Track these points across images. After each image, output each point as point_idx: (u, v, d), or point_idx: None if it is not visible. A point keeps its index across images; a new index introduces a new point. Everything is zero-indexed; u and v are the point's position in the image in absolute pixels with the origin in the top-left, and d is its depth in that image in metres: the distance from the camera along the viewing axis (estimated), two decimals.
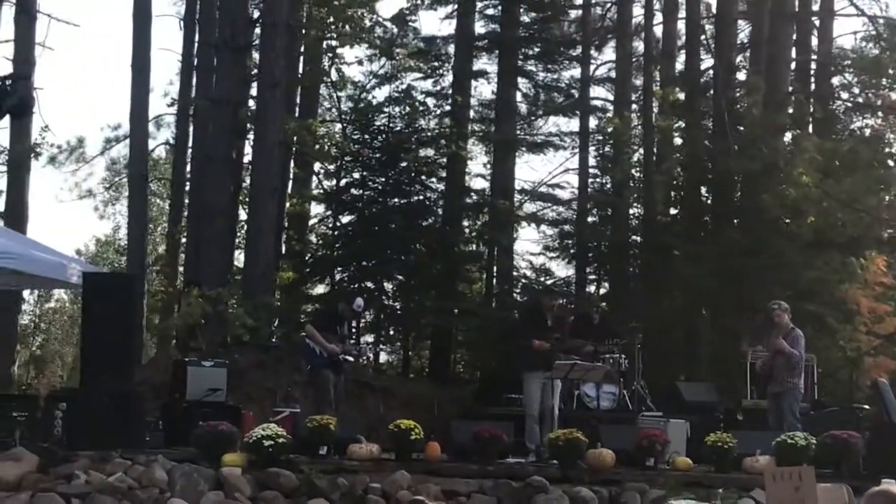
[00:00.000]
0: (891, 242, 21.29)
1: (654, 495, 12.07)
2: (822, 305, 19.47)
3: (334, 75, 26.54)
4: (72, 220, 63.29)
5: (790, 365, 14.34)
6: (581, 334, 16.46)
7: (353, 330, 15.49)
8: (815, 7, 24.77)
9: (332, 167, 25.36)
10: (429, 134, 23.98)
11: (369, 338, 22.46)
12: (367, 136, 23.69)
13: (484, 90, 26.75)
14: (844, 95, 25.65)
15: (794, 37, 23.74)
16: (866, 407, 15.85)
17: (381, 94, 25.56)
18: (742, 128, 21.56)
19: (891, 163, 22.60)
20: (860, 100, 25.41)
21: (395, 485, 11.88)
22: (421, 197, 23.37)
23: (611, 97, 27.67)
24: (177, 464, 11.69)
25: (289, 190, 25.56)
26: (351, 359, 14.88)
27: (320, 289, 24.68)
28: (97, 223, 59.23)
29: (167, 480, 11.48)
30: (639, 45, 27.43)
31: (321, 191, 26.37)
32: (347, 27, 24.36)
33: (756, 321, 18.32)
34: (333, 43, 25.49)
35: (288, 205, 25.23)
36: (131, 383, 13.34)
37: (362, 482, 11.93)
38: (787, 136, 22.19)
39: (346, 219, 24.18)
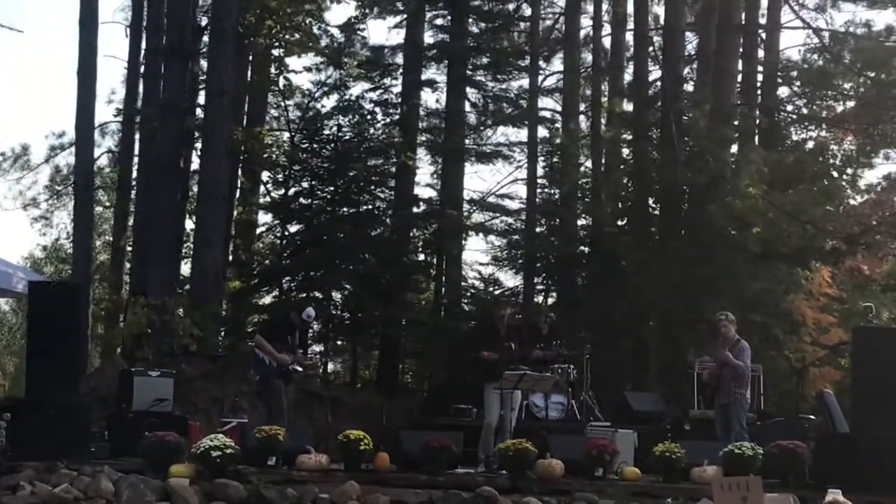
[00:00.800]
0: (835, 254, 21.50)
1: None
2: (768, 316, 19.63)
3: (282, 83, 26.43)
4: (17, 226, 62.66)
5: (736, 375, 14.46)
6: (529, 344, 16.49)
7: (304, 339, 15.35)
8: (762, 20, 24.97)
9: (280, 176, 25.26)
10: (377, 143, 23.92)
11: (317, 347, 22.35)
12: (315, 146, 23.64)
13: (432, 100, 26.80)
14: (790, 107, 25.90)
15: (741, 49, 23.93)
16: (812, 417, 16.00)
17: (329, 102, 25.55)
18: (689, 139, 21.68)
19: (834, 174, 22.87)
20: (805, 111, 25.68)
21: (344, 495, 11.80)
22: (370, 206, 23.34)
23: (559, 108, 27.78)
24: (123, 475, 11.56)
25: (236, 198, 25.41)
26: (301, 369, 14.77)
27: (268, 299, 24.57)
28: (42, 231, 58.61)
29: (113, 491, 11.35)
30: (587, 56, 27.56)
31: (269, 199, 26.25)
32: (296, 35, 24.32)
33: (703, 331, 18.44)
34: (281, 51, 25.42)
35: (235, 213, 25.09)
36: (77, 393, 13.23)
37: (311, 493, 11.85)
38: (734, 148, 22.35)
39: (294, 228, 24.10)
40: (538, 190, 26.07)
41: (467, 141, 26.25)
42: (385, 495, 11.87)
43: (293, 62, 27.11)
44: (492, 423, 14.16)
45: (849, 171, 23.15)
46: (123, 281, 26.31)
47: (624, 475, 13.21)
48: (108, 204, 32.96)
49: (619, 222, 23.52)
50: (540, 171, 26.16)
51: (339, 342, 23.80)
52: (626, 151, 24.07)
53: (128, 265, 25.90)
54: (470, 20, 25.48)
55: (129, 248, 25.67)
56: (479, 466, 13.78)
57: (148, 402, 13.87)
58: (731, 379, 14.49)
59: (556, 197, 25.17)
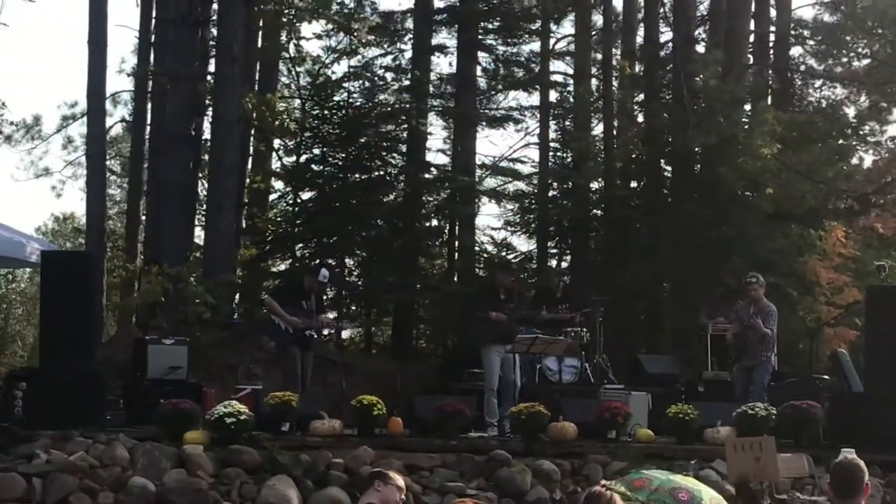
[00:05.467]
0: (848, 213, 21.42)
1: (616, 467, 12.12)
2: (781, 277, 19.56)
3: (293, 50, 26.33)
4: (29, 198, 62.80)
5: (764, 339, 14.55)
6: (544, 308, 16.53)
7: (321, 304, 15.29)
8: None
9: (291, 143, 25.21)
10: (388, 109, 23.84)
11: (331, 314, 22.36)
12: (326, 112, 23.57)
13: (444, 65, 26.72)
14: (803, 67, 25.73)
15: (753, 8, 23.74)
16: (826, 377, 15.98)
17: (339, 69, 25.48)
18: (700, 100, 21.55)
19: (848, 133, 22.74)
20: (818, 67, 25.47)
21: (357, 460, 11.89)
22: (382, 172, 23.27)
23: (570, 70, 27.64)
24: (138, 442, 11.67)
25: (249, 167, 25.36)
26: (317, 336, 14.78)
27: (282, 266, 24.58)
28: (55, 201, 58.86)
29: (129, 459, 11.47)
30: (598, 19, 27.38)
31: (281, 167, 26.21)
32: (306, 0, 24.21)
33: (715, 293, 18.45)
34: (292, 17, 25.30)
35: (248, 181, 25.06)
36: (92, 362, 13.31)
37: (325, 458, 11.94)
38: (746, 108, 22.24)
39: (306, 195, 24.06)
40: (550, 153, 26.02)
41: (478, 105, 26.15)
42: (398, 460, 11.95)
43: (304, 29, 26.98)
44: (493, 386, 14.11)
45: (863, 129, 23.01)
46: (138, 250, 26.37)
47: (637, 437, 13.26)
48: (121, 173, 32.96)
49: (632, 185, 23.46)
50: (552, 135, 26.06)
51: (353, 308, 23.79)
52: (637, 114, 23.95)
53: (142, 234, 25.93)
54: None
55: (143, 217, 25.67)
56: (491, 430, 13.81)
57: (163, 370, 13.89)
58: (759, 342, 14.60)
59: (569, 160, 25.08)
